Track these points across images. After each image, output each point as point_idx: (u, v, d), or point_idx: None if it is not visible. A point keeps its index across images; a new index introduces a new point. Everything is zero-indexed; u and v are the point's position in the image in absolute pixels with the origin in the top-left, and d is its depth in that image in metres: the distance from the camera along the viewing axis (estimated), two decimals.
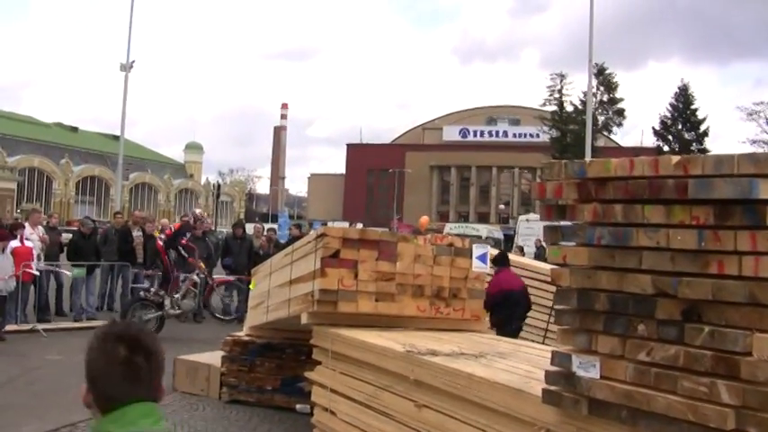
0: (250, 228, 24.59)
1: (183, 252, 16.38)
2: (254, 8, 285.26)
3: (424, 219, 31.93)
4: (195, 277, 16.32)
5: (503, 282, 11.63)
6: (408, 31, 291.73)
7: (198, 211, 19.05)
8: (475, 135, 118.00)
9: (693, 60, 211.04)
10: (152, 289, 16.86)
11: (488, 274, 10.13)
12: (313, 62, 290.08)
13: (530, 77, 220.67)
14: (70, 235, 21.39)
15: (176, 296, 16.09)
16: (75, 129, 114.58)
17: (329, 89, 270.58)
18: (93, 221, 22.45)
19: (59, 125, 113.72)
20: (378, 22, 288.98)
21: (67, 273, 18.10)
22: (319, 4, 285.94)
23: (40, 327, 15.97)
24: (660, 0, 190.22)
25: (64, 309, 18.37)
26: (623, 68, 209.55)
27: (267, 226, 25.73)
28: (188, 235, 16.82)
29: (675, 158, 4.08)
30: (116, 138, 65.12)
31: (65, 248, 19.16)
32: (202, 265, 16.52)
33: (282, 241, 20.38)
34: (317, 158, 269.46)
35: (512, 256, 16.17)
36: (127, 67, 44.76)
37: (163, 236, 17.32)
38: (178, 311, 16.19)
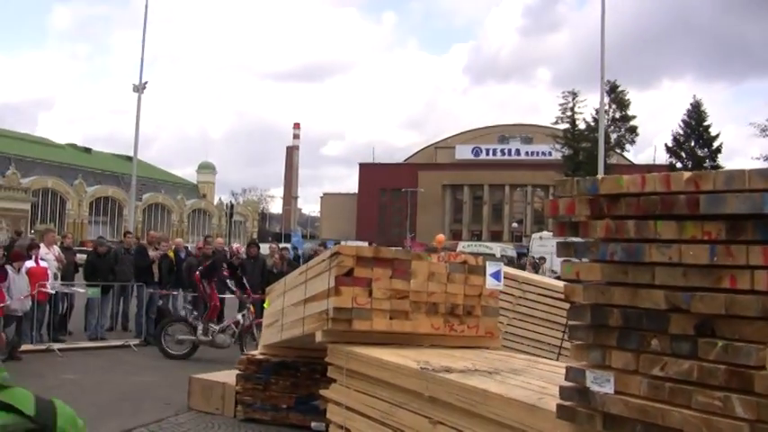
0: (265, 248, 24.78)
1: (230, 285, 16.72)
2: (268, 28, 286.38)
3: (441, 237, 32.04)
4: (239, 317, 16.50)
5: None
6: (421, 51, 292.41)
7: (236, 245, 19.78)
8: (487, 153, 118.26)
9: (707, 78, 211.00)
10: (194, 312, 16.98)
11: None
12: (327, 82, 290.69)
13: (542, 96, 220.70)
14: (84, 255, 21.53)
15: (214, 327, 16.21)
16: (88, 150, 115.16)
17: (343, 109, 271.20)
18: (107, 242, 22.57)
19: (73, 146, 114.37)
20: (391, 41, 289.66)
21: (82, 291, 18.20)
22: (332, 24, 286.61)
23: (56, 346, 16.06)
24: (674, 18, 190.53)
25: (69, 329, 18.44)
26: (637, 87, 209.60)
27: (282, 246, 25.86)
28: (225, 266, 17.11)
29: (687, 174, 4.11)
30: (129, 158, 65.36)
31: (79, 268, 19.29)
32: (252, 307, 16.70)
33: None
34: (330, 178, 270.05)
35: (524, 274, 16.21)
36: (140, 88, 45.04)
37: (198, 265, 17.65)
38: (209, 340, 16.25)
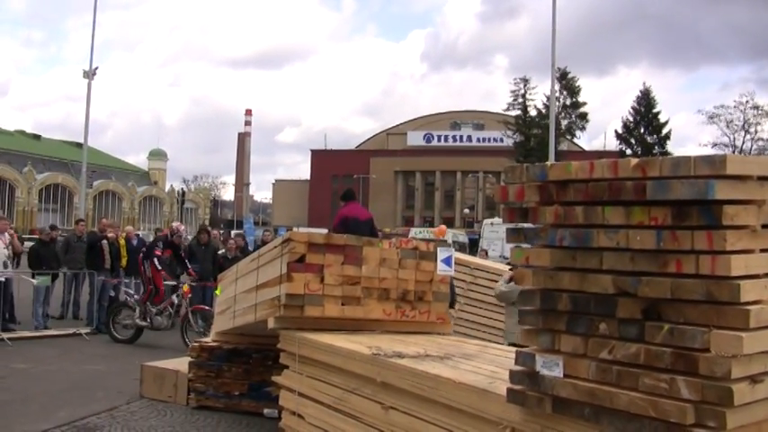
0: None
1: (156, 265, 16.38)
2: (226, 14, 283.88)
3: (443, 227, 32.16)
4: (174, 299, 16.31)
5: (346, 211, 11.59)
6: (379, 38, 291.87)
7: (176, 224, 19.00)
8: (439, 140, 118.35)
9: (661, 65, 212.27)
10: (135, 296, 16.85)
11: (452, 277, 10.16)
12: (285, 69, 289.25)
13: (500, 83, 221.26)
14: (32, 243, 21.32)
15: (152, 309, 16.11)
16: (37, 136, 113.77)
17: (299, 96, 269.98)
18: (58, 229, 22.31)
19: (22, 133, 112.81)
20: (350, 28, 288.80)
21: (33, 281, 17.98)
22: (291, 10, 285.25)
23: (5, 336, 15.86)
24: (631, 6, 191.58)
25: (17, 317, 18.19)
26: (595, 74, 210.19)
27: (233, 232, 25.63)
28: (160, 245, 16.79)
29: (634, 161, 4.17)
30: (79, 145, 64.70)
31: (19, 257, 19.08)
32: (187, 288, 16.43)
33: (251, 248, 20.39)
34: (286, 165, 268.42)
35: (475, 259, 16.32)
36: (90, 74, 44.60)
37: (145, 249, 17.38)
38: (147, 324, 16.18)
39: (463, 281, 14.60)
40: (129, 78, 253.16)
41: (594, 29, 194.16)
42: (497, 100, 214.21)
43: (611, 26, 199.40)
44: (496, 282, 13.48)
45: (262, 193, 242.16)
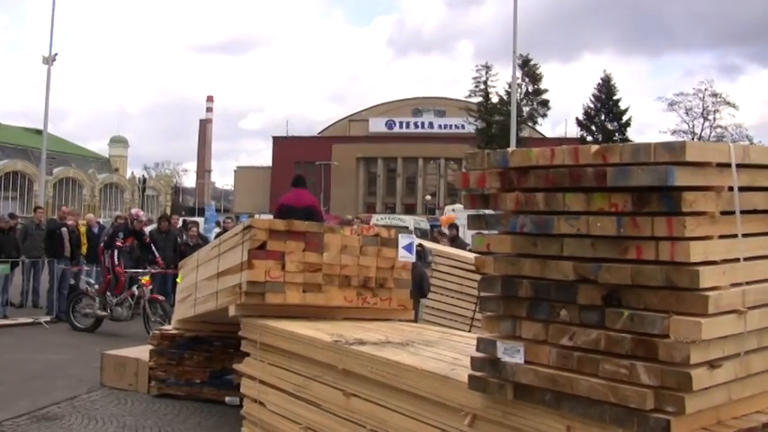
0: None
1: (115, 256, 16.22)
2: (189, 0, 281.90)
3: (452, 215, 32.15)
4: (135, 290, 16.12)
5: (284, 199, 11.83)
6: (346, 23, 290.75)
7: (134, 210, 18.76)
8: (401, 126, 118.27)
9: (626, 52, 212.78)
10: (96, 286, 16.67)
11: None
12: (250, 54, 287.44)
13: (464, 69, 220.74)
14: None
15: (113, 299, 15.97)
16: None
17: (264, 82, 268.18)
18: (17, 217, 22.05)
19: None
20: (315, 13, 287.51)
21: None
22: None
23: None
24: None
25: None
26: (560, 61, 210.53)
27: (189, 219, 25.43)
28: (121, 235, 16.60)
29: (595, 147, 4.17)
30: (39, 132, 64.00)
31: None
32: (147, 279, 16.25)
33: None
34: (248, 151, 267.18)
35: (436, 246, 16.32)
36: (49, 60, 44.19)
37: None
38: (107, 314, 16.07)
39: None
40: (92, 64, 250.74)
41: (561, 16, 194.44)
42: (463, 87, 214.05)
43: (578, 13, 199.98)
44: (463, 270, 13.52)
45: (225, 179, 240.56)
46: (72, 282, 18.93)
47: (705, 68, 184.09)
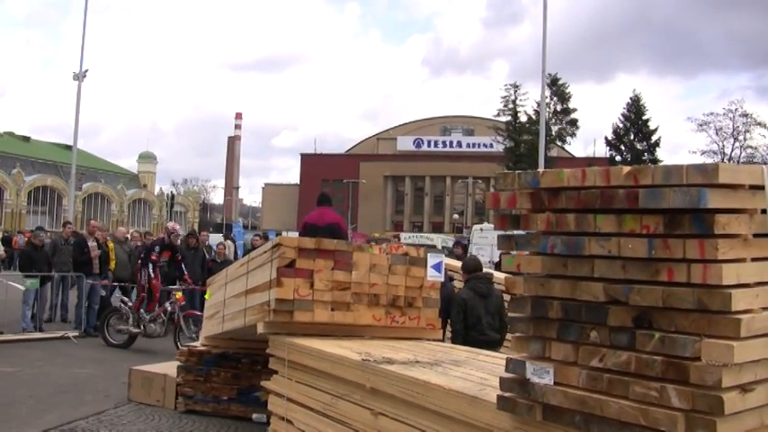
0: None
1: (151, 273, 16.29)
2: (230, 17, 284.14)
3: None
4: (168, 306, 16.18)
5: (308, 217, 12.00)
6: (383, 42, 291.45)
7: (171, 224, 18.74)
8: (429, 145, 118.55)
9: (660, 73, 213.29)
10: (129, 303, 16.76)
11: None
12: (286, 72, 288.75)
13: (495, 88, 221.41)
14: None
15: (146, 316, 16.04)
16: (27, 138, 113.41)
17: (299, 100, 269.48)
18: (46, 232, 22.20)
19: (11, 134, 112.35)
20: (352, 32, 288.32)
21: (19, 286, 17.90)
22: (293, 14, 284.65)
23: None
24: (634, 14, 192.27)
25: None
26: (595, 81, 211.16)
27: (219, 242, 25.50)
28: (157, 249, 16.67)
29: (626, 169, 4.15)
30: (69, 148, 64.50)
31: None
32: (180, 295, 16.30)
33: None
34: (279, 169, 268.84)
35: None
36: (80, 77, 44.49)
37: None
38: (141, 331, 16.13)
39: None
40: (127, 82, 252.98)
41: (597, 36, 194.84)
42: (494, 106, 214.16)
43: (614, 34, 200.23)
44: None
45: (255, 196, 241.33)
46: (103, 293, 19.01)
47: (742, 89, 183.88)
